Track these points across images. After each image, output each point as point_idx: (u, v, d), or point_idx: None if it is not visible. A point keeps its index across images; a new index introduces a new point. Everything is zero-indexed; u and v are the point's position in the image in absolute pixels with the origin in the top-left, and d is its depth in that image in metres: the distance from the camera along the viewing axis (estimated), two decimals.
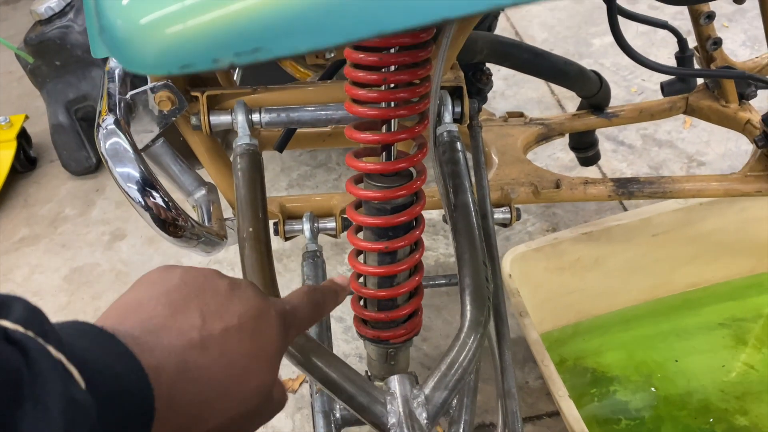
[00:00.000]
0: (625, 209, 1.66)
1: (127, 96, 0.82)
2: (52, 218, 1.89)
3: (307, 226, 1.02)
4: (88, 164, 1.98)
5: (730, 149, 1.87)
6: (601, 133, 1.94)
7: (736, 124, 1.21)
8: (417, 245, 0.78)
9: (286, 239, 1.04)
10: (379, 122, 0.71)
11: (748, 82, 1.18)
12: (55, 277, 1.71)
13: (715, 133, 1.90)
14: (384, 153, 0.72)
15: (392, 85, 0.66)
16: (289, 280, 1.61)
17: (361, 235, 0.78)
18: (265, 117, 0.84)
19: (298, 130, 1.02)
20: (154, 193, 0.73)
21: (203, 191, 0.97)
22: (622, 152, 1.88)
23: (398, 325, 0.81)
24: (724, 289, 1.47)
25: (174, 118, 0.85)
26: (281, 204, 1.03)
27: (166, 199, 0.74)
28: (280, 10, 0.32)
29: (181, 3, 0.34)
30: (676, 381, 1.35)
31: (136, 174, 0.72)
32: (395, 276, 0.78)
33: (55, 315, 1.54)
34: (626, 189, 1.10)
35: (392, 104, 0.68)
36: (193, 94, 0.85)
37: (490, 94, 2.11)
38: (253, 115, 0.84)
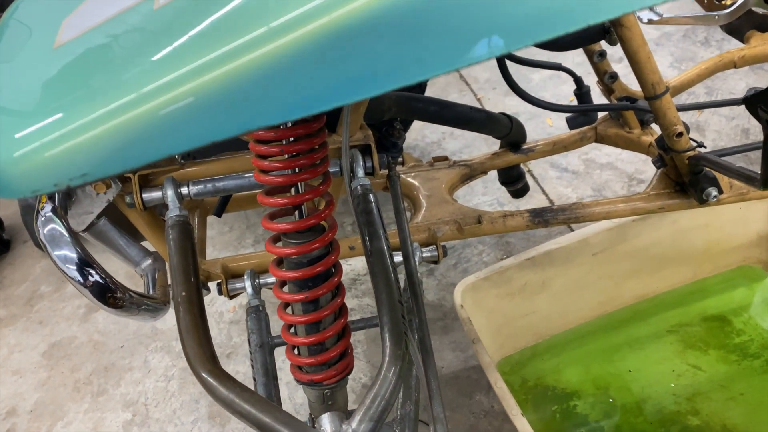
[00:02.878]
0: (572, 230, 1.74)
1: (65, 186, 0.90)
2: (28, 297, 1.95)
3: (248, 283, 1.09)
4: None
5: None
6: (546, 162, 2.04)
7: (640, 148, 1.30)
8: (338, 290, 0.86)
9: (230, 297, 1.11)
10: (288, 186, 0.79)
11: (644, 109, 1.27)
12: (34, 354, 1.77)
13: None
14: (296, 212, 0.80)
15: (293, 154, 0.75)
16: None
17: (286, 289, 0.86)
18: (193, 189, 0.92)
19: (234, 195, 1.10)
20: (91, 271, 0.81)
21: (149, 261, 1.04)
22: (566, 178, 1.97)
23: (330, 367, 0.87)
24: (669, 297, 1.55)
25: (110, 199, 0.93)
26: (223, 265, 1.10)
27: (103, 276, 0.81)
28: (93, 144, 0.40)
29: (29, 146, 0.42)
30: (632, 389, 1.41)
31: (74, 255, 0.80)
32: (320, 321, 0.85)
33: (36, 391, 1.60)
34: (541, 218, 1.18)
35: (296, 170, 0.76)
36: (126, 175, 0.93)
37: (440, 136, 2.21)
38: (182, 189, 0.92)
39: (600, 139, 1.33)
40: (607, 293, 1.52)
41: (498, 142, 1.38)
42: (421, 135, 2.22)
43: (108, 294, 0.82)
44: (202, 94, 0.39)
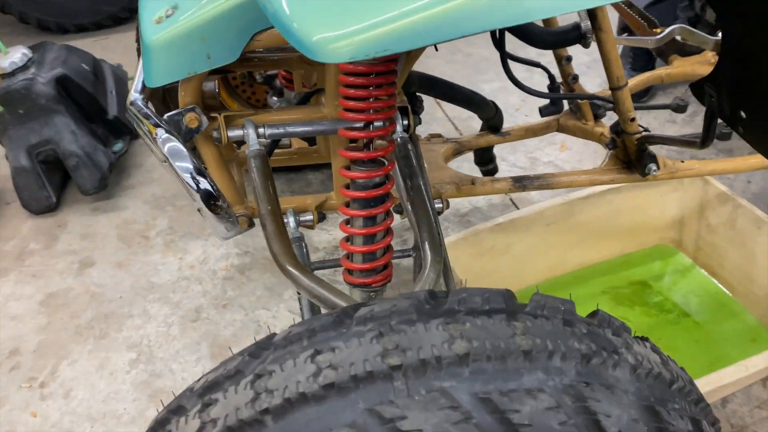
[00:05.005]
0: (517, 208, 2.06)
1: (165, 117, 1.10)
2: (18, 253, 2.04)
3: (291, 219, 1.31)
4: (49, 203, 2.15)
5: (597, 164, 2.34)
6: (498, 158, 2.36)
7: (593, 136, 1.63)
8: (388, 214, 1.10)
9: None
10: (363, 125, 1.04)
11: (597, 104, 1.61)
12: (31, 302, 1.87)
13: (584, 154, 2.37)
14: (365, 146, 1.05)
15: (372, 99, 1.00)
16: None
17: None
18: (268, 130, 1.14)
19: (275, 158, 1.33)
20: (204, 180, 1.01)
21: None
22: (515, 172, 2.30)
23: (378, 273, 1.11)
24: (602, 266, 1.89)
25: (196, 134, 1.13)
26: None
27: (212, 184, 1.02)
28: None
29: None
30: None
31: (190, 165, 1.00)
32: (375, 235, 1.09)
33: (37, 334, 1.72)
34: (521, 183, 1.47)
35: (371, 111, 1.01)
36: (213, 115, 1.14)
37: None
38: (259, 129, 1.14)
39: (561, 128, 1.66)
40: (555, 259, 1.84)
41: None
42: None
43: (212, 200, 1.03)
44: None
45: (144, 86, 1.23)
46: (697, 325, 1.73)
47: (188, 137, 1.13)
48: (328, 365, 0.64)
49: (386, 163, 1.06)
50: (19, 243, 2.08)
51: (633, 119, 1.35)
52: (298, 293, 1.25)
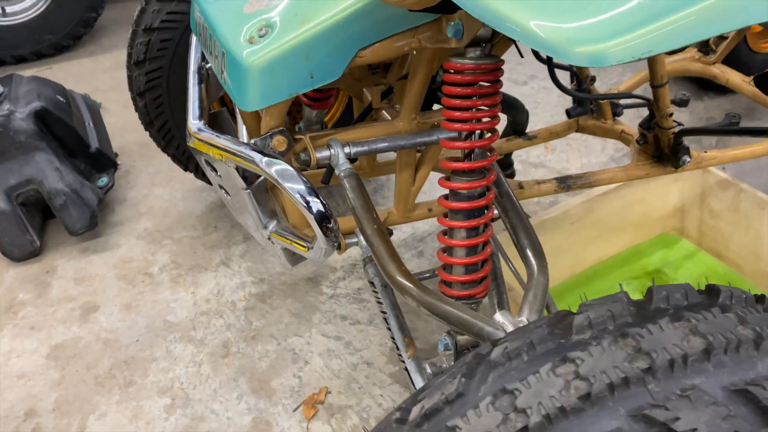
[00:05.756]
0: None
1: (252, 142, 1.04)
2: (7, 305, 1.87)
3: (361, 238, 1.28)
4: (33, 248, 1.98)
5: (584, 163, 2.43)
6: None
7: (614, 134, 1.69)
8: (488, 224, 1.09)
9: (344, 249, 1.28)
10: (465, 134, 1.03)
11: (616, 103, 1.67)
12: (36, 357, 1.71)
13: (571, 153, 2.46)
14: (466, 157, 1.04)
15: (476, 108, 0.99)
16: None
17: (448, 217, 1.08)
18: (354, 149, 1.11)
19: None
20: (316, 200, 0.97)
21: (275, 222, 1.19)
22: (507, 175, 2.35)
23: (480, 283, 1.10)
24: (617, 259, 1.96)
25: (283, 157, 1.08)
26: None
27: (324, 203, 0.98)
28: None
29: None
30: None
31: (303, 186, 0.96)
32: (477, 246, 1.08)
33: (52, 390, 1.58)
34: (565, 183, 1.51)
35: (474, 121, 1.00)
36: (297, 137, 1.10)
37: None
38: (345, 149, 1.10)
39: (581, 129, 1.71)
40: (577, 256, 1.89)
41: None
42: None
43: (325, 221, 0.98)
44: None
45: (201, 112, 1.17)
46: None
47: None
48: (575, 376, 0.63)
49: (488, 173, 1.06)
50: (6, 294, 1.90)
51: (671, 114, 1.42)
52: (384, 312, 1.22)
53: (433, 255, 2.00)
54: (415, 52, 1.07)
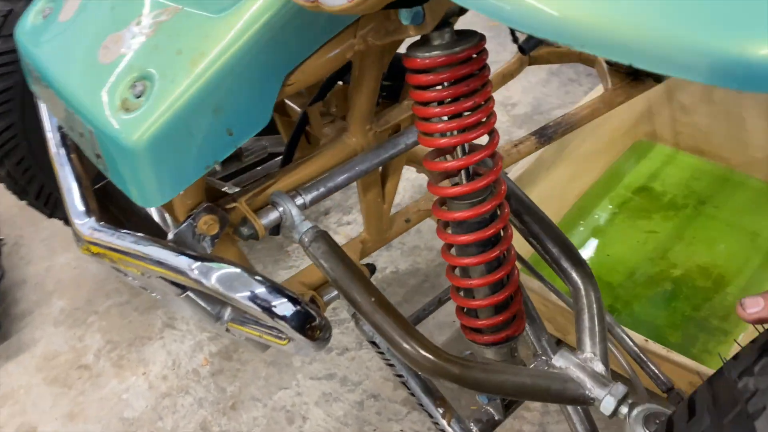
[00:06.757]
0: None
1: (171, 238, 0.73)
2: None
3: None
4: None
5: (548, 92, 2.20)
6: None
7: (574, 56, 1.45)
8: (509, 250, 0.84)
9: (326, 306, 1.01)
10: (449, 150, 0.76)
11: None
12: None
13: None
14: (464, 175, 0.77)
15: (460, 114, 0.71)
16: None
17: (453, 251, 0.82)
18: (308, 196, 0.82)
19: None
20: (283, 299, 0.68)
21: (228, 310, 0.90)
22: None
23: (515, 320, 0.86)
24: (598, 186, 1.76)
25: (217, 240, 0.78)
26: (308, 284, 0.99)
27: (298, 299, 0.70)
28: None
29: None
30: (616, 269, 1.57)
31: (262, 288, 0.67)
32: (502, 280, 0.82)
33: None
34: (546, 135, 1.26)
35: (458, 132, 0.72)
36: (227, 207, 0.79)
37: None
38: (296, 200, 0.81)
39: (534, 61, 1.45)
40: (562, 199, 1.68)
41: None
42: None
43: (309, 322, 0.70)
44: None
45: (85, 201, 0.85)
46: (717, 208, 1.67)
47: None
48: None
49: (495, 189, 0.79)
50: None
51: None
52: (399, 376, 0.96)
53: (431, 255, 1.74)
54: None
